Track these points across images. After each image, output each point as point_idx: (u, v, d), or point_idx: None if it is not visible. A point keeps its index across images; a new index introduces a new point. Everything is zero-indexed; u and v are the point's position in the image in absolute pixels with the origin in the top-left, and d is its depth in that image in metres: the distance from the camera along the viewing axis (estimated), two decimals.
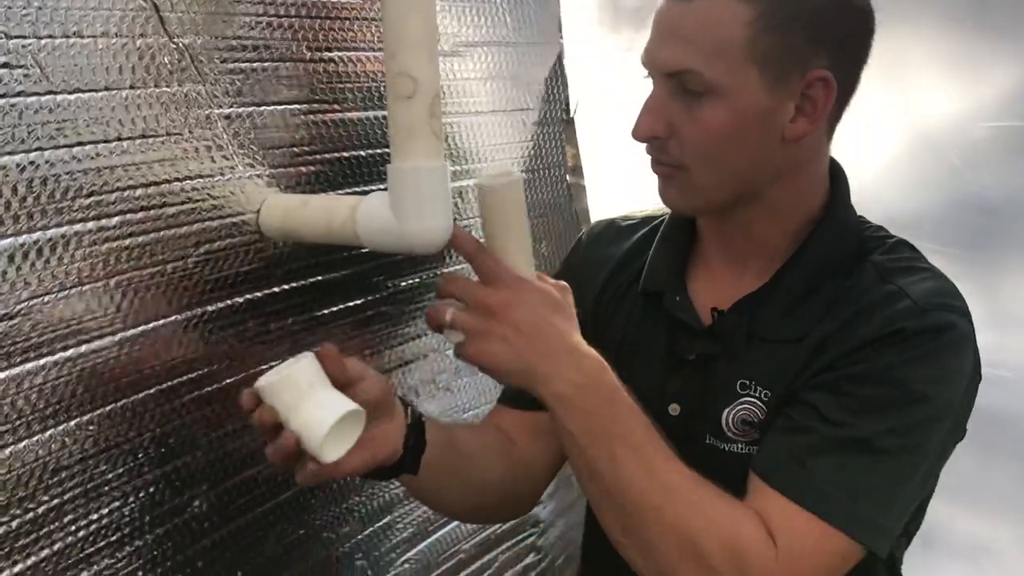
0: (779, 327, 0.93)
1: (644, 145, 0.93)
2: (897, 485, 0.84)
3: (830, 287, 0.92)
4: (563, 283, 0.89)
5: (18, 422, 0.77)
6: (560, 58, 1.44)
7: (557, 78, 1.45)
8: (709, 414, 0.95)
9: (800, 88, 0.87)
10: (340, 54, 1.02)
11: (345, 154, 1.05)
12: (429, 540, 1.32)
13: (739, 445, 0.94)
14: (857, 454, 0.83)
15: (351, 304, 1.11)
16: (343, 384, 0.85)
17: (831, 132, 0.94)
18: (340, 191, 1.05)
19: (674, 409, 0.98)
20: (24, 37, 0.72)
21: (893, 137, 1.40)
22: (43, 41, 0.73)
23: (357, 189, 1.06)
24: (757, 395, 0.93)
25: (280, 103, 0.96)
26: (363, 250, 1.06)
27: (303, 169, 1.00)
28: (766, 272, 0.96)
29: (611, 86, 1.46)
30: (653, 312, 1.02)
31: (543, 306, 0.84)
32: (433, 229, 0.84)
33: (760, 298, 0.95)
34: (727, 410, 0.94)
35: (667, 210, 1.04)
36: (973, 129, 1.29)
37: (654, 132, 0.90)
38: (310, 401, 0.79)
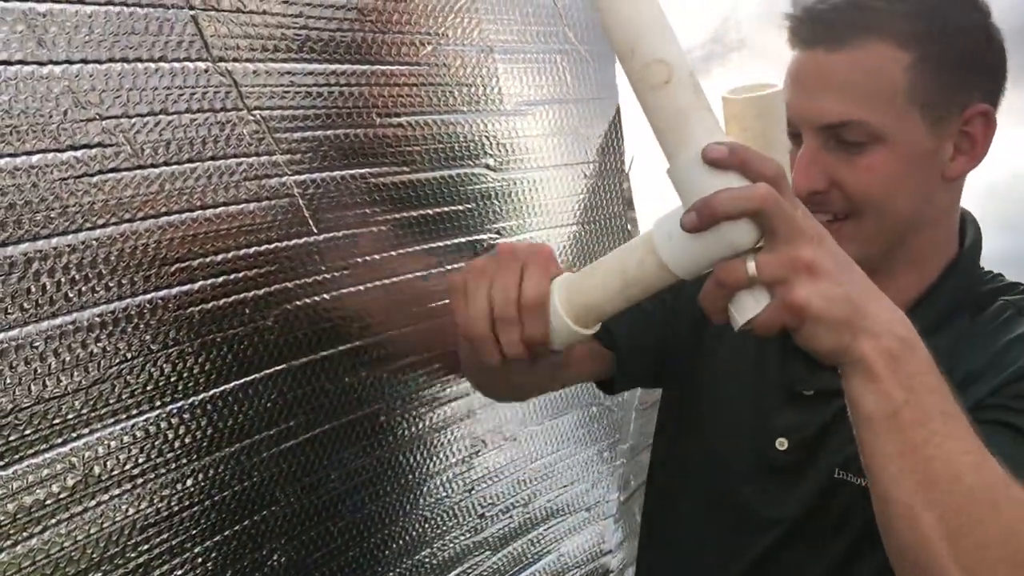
0: None
1: None
2: None
3: (957, 326, 0.89)
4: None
5: (108, 481, 0.80)
6: (617, 111, 1.47)
7: (615, 131, 1.47)
8: (836, 448, 0.91)
9: (958, 126, 0.85)
10: (408, 119, 1.05)
11: (414, 213, 1.08)
12: None
13: (860, 479, 0.88)
14: None
15: (421, 357, 1.13)
16: None
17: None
18: (413, 248, 1.08)
19: (781, 444, 0.95)
20: (116, 117, 0.76)
21: (989, 173, 1.37)
22: (133, 120, 0.78)
23: (427, 246, 1.09)
24: None
25: (352, 167, 0.99)
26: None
27: (374, 229, 1.03)
28: None
29: None
30: (766, 343, 0.98)
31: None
32: None
33: None
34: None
35: None
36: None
37: (813, 187, 0.86)
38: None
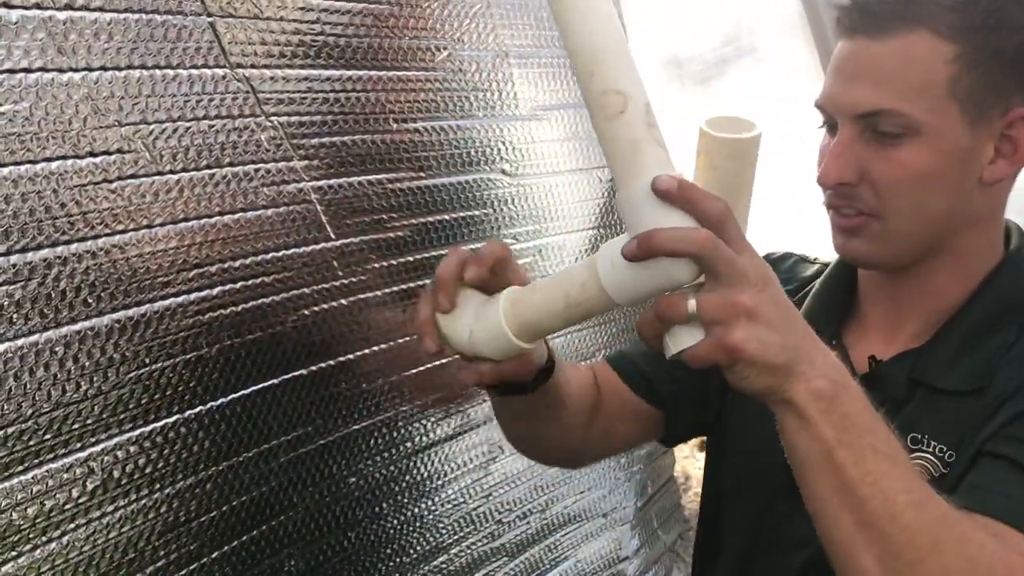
0: (947, 377, 0.86)
1: (824, 196, 0.87)
2: None
3: (1001, 337, 0.86)
4: None
5: (128, 486, 0.80)
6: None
7: None
8: None
9: (1000, 128, 0.82)
10: (424, 124, 1.05)
11: (431, 218, 1.08)
12: None
13: None
14: None
15: (440, 363, 1.13)
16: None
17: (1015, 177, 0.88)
18: (428, 253, 1.08)
19: None
20: (135, 123, 0.77)
21: None
22: (151, 126, 0.78)
23: (444, 252, 1.09)
24: (931, 450, 0.86)
25: (368, 173, 1.00)
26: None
27: (391, 235, 1.03)
28: (925, 332, 0.89)
29: (677, 143, 1.47)
30: None
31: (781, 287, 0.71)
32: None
33: (924, 351, 0.88)
34: None
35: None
36: None
37: (843, 178, 0.84)
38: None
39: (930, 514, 0.68)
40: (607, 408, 1.08)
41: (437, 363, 1.13)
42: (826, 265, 1.03)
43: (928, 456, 0.86)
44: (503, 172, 1.18)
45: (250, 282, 0.89)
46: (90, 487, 0.77)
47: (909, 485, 0.68)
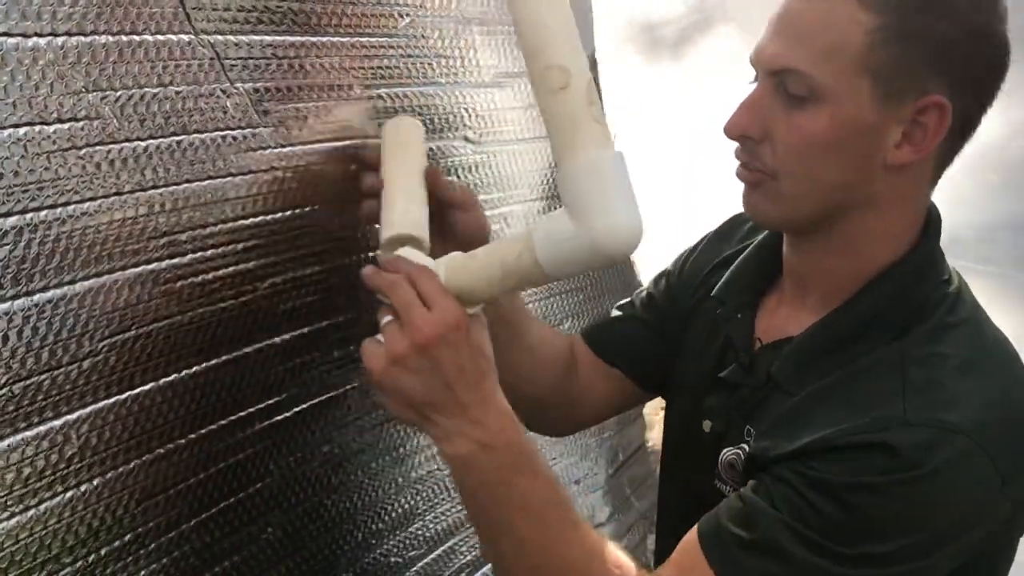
0: (793, 378, 0.88)
1: (731, 151, 0.88)
2: None
3: (860, 347, 0.85)
4: (478, 315, 0.82)
5: (102, 455, 0.80)
6: (597, 82, 1.48)
7: None
8: (724, 446, 0.93)
9: (911, 113, 0.80)
10: (387, 91, 1.06)
11: None
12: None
13: (727, 488, 0.92)
14: (775, 561, 0.78)
15: None
16: (447, 203, 0.94)
17: (938, 174, 0.87)
18: None
19: (707, 425, 0.96)
20: (102, 90, 0.76)
21: None
22: (118, 92, 0.78)
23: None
24: (750, 443, 0.89)
25: (337, 139, 1.00)
26: None
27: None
28: (818, 313, 0.90)
29: (648, 112, 1.49)
30: (715, 336, 1.00)
31: (466, 345, 0.77)
32: (626, 224, 0.72)
33: (797, 341, 0.89)
34: (726, 451, 0.92)
35: None
36: (1012, 148, 1.28)
37: (747, 131, 0.85)
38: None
39: (556, 561, 0.81)
40: (583, 370, 1.12)
41: None
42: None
43: (745, 448, 0.90)
44: (466, 139, 1.19)
45: (220, 250, 0.89)
46: (68, 454, 0.77)
47: (540, 534, 0.80)
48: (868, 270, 0.87)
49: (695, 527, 0.84)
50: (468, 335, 0.78)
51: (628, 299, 1.18)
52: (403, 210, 0.90)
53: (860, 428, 0.78)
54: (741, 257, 1.01)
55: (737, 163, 0.89)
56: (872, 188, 0.84)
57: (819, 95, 0.80)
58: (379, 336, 0.79)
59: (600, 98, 0.75)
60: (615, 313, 1.17)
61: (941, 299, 0.86)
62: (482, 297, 0.81)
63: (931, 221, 0.89)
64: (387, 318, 0.79)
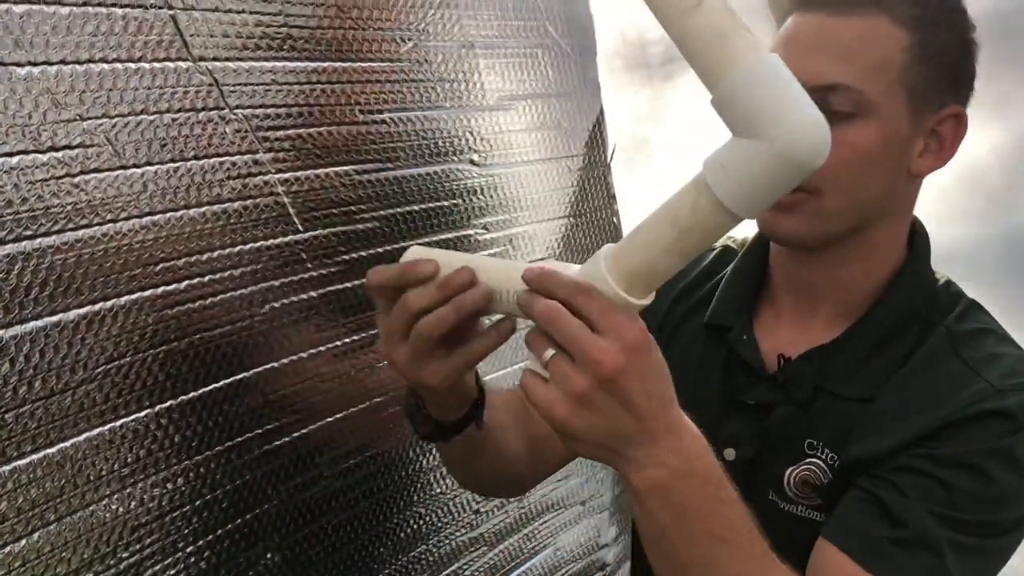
0: (848, 384, 0.88)
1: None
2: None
3: (900, 346, 0.88)
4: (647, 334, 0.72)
5: (98, 482, 0.80)
6: (600, 104, 1.47)
7: (598, 125, 1.48)
8: (768, 469, 0.91)
9: (932, 123, 0.85)
10: (391, 115, 1.05)
11: (400, 210, 1.09)
12: None
13: (799, 507, 0.89)
14: (929, 552, 0.79)
15: None
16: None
17: None
18: (397, 245, 1.08)
19: (729, 454, 0.94)
20: (96, 118, 0.76)
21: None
22: (114, 120, 0.78)
23: (413, 243, 1.09)
24: (823, 457, 0.88)
25: (336, 164, 1.00)
26: None
27: (360, 227, 1.03)
28: (835, 324, 0.91)
29: (644, 131, 1.48)
30: (713, 347, 0.99)
31: (650, 368, 0.69)
32: (812, 123, 0.62)
33: (831, 350, 0.90)
34: (791, 469, 0.90)
35: (742, 241, 1.03)
36: (1014, 161, 1.28)
37: None
38: None
39: None
40: (539, 426, 1.06)
41: None
42: (731, 248, 1.05)
43: (819, 463, 0.88)
44: (472, 162, 1.19)
45: (218, 275, 0.88)
46: (60, 483, 0.77)
47: (743, 567, 0.72)
48: (880, 275, 0.91)
49: (827, 550, 0.80)
50: (651, 355, 0.68)
51: None
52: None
53: (963, 403, 0.81)
54: (726, 280, 1.01)
55: None
56: (897, 197, 0.88)
57: (866, 110, 0.82)
58: (534, 367, 0.69)
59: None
60: None
61: (944, 287, 0.92)
62: (662, 273, 0.68)
63: (915, 224, 0.94)
64: (549, 352, 0.68)
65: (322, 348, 1.01)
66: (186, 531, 0.89)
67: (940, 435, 0.81)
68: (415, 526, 1.18)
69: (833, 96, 0.81)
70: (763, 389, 0.93)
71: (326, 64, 0.98)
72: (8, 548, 0.74)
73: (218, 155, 0.87)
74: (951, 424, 0.81)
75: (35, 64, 0.72)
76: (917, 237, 0.93)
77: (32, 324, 0.74)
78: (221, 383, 0.91)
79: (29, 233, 0.72)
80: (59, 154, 0.74)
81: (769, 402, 0.92)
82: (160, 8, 0.82)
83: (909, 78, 0.82)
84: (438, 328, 0.71)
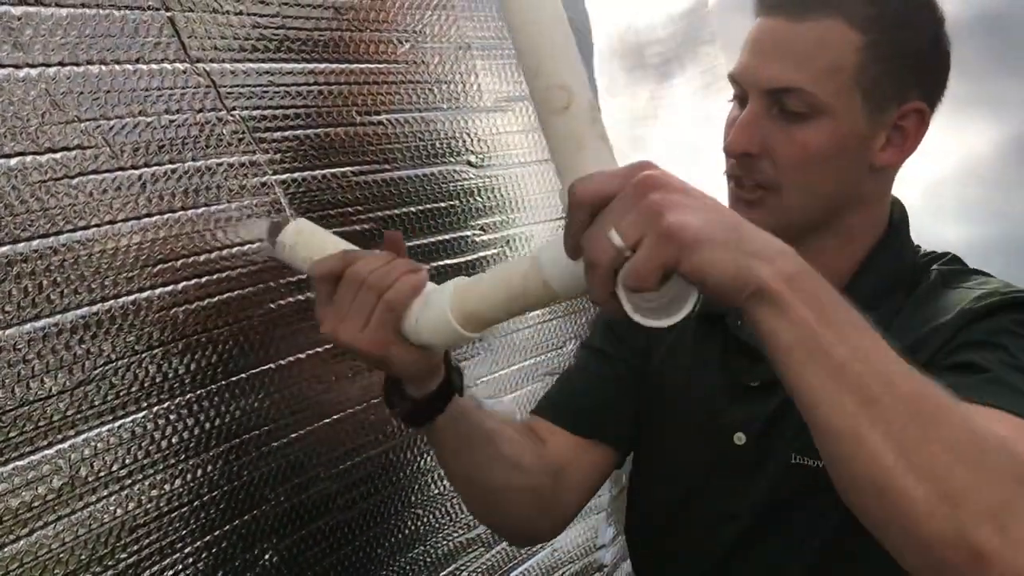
0: None
1: (725, 168, 0.94)
2: None
3: (894, 300, 0.93)
4: None
5: (96, 483, 0.80)
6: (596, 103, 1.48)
7: None
8: (790, 435, 0.91)
9: (894, 118, 0.89)
10: (388, 117, 1.06)
11: (397, 211, 1.09)
12: None
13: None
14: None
15: None
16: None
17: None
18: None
19: (739, 439, 0.96)
20: (94, 119, 0.76)
21: (938, 165, 1.41)
22: (112, 121, 0.78)
23: (410, 244, 1.10)
24: None
25: (333, 166, 1.00)
26: None
27: (357, 228, 1.03)
28: None
29: (640, 131, 1.49)
30: (707, 338, 1.01)
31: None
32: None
33: None
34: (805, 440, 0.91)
35: None
36: (1013, 160, 1.30)
37: (748, 149, 0.89)
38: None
39: (920, 381, 0.62)
40: (553, 451, 1.05)
41: None
42: None
43: None
44: (469, 164, 1.19)
45: (215, 276, 0.89)
46: (57, 484, 0.77)
47: (893, 355, 0.62)
48: (861, 256, 0.96)
49: (978, 407, 0.70)
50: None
51: (572, 365, 1.14)
52: None
53: (977, 299, 0.86)
54: None
55: (728, 184, 0.94)
56: (861, 189, 0.92)
57: (819, 111, 0.86)
58: (611, 248, 0.61)
59: (600, 117, 0.73)
60: (573, 382, 1.12)
61: (925, 254, 0.99)
62: (489, 320, 0.79)
63: (892, 202, 0.99)
64: (612, 232, 0.60)
65: (320, 349, 1.01)
66: (184, 532, 0.89)
67: (967, 328, 0.84)
68: (413, 527, 1.19)
69: (787, 98, 0.87)
70: (766, 368, 0.92)
71: (323, 66, 0.98)
72: (6, 549, 0.74)
73: (215, 156, 0.87)
74: (978, 316, 0.84)
75: (33, 66, 0.72)
76: (894, 215, 0.98)
77: (30, 325, 0.74)
78: (218, 384, 0.91)
79: (27, 235, 0.73)
80: (57, 155, 0.74)
81: (774, 379, 0.92)
82: (158, 10, 0.82)
83: (865, 79, 0.86)
84: (412, 295, 0.79)
